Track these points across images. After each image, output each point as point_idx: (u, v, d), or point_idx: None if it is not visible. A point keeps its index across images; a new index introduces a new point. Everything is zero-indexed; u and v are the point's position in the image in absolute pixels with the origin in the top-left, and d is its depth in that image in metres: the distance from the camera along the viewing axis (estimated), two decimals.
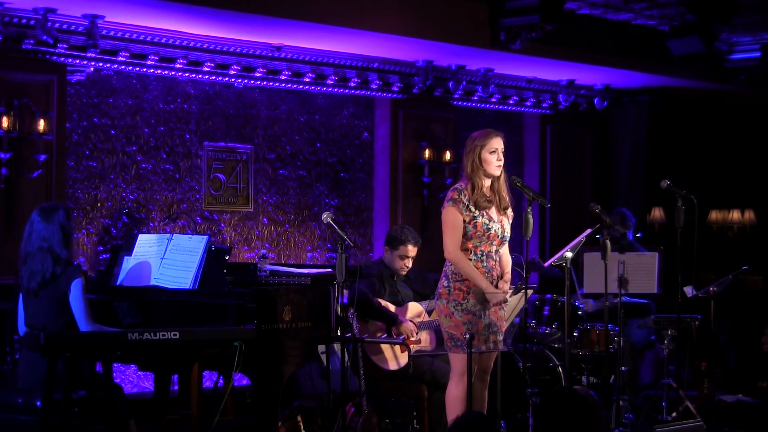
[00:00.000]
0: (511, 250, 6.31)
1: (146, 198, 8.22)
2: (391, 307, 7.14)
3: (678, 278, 7.37)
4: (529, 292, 6.37)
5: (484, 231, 5.99)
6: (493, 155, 6.02)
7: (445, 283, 6.03)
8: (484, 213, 6.02)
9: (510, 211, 6.19)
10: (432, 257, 7.66)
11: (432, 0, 8.38)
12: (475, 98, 9.88)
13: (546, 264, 7.79)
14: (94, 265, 7.83)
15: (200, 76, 8.28)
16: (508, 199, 6.15)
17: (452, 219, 5.98)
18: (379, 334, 7.04)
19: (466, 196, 5.99)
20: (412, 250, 7.28)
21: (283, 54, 8.49)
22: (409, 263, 7.32)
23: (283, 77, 8.62)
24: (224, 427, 6.56)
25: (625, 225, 8.76)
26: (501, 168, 6.07)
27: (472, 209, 5.98)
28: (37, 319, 5.73)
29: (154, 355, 6.04)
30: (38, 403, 5.49)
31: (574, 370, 8.07)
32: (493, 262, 6.07)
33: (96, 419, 5.66)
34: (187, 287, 6.14)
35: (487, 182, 6.07)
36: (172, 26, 7.79)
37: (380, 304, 7.05)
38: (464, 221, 5.97)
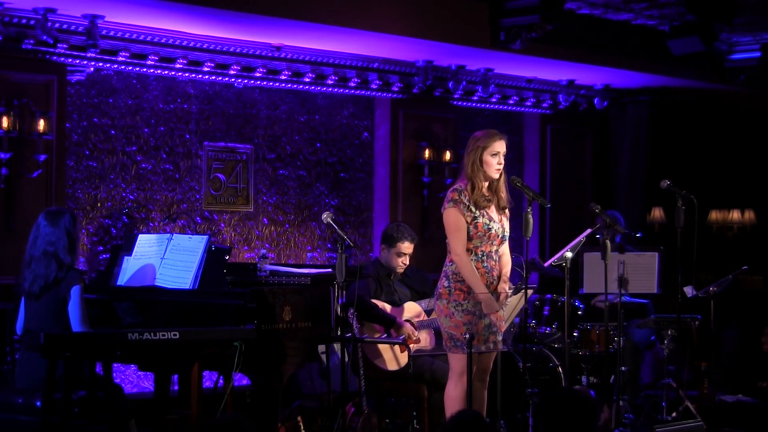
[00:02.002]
0: (511, 250, 6.31)
1: (146, 198, 8.22)
2: (388, 308, 7.13)
3: (678, 278, 7.37)
4: (529, 292, 6.37)
5: (485, 231, 5.98)
6: (495, 158, 6.01)
7: (446, 284, 6.02)
8: (485, 213, 6.01)
9: (507, 211, 6.19)
10: (432, 257, 7.67)
11: (432, 0, 8.38)
12: (475, 98, 9.88)
13: (546, 264, 7.80)
14: (94, 265, 7.83)
15: (200, 76, 8.28)
16: (506, 198, 6.14)
17: (455, 221, 5.97)
18: (378, 335, 7.04)
19: (466, 197, 5.98)
20: (408, 247, 7.27)
21: (283, 54, 8.49)
22: (407, 261, 7.31)
23: (283, 77, 8.62)
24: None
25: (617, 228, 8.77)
26: (500, 171, 6.06)
27: (473, 210, 5.97)
28: (36, 322, 5.74)
29: (154, 355, 6.04)
30: (38, 403, 5.50)
31: (574, 370, 8.07)
32: (493, 262, 6.07)
33: (96, 419, 5.66)
34: (187, 287, 6.15)
35: (486, 183, 6.06)
36: (172, 26, 7.79)
37: (377, 307, 7.03)
38: (466, 222, 5.96)
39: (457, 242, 5.95)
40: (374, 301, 7.08)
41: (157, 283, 6.28)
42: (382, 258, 7.33)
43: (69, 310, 5.68)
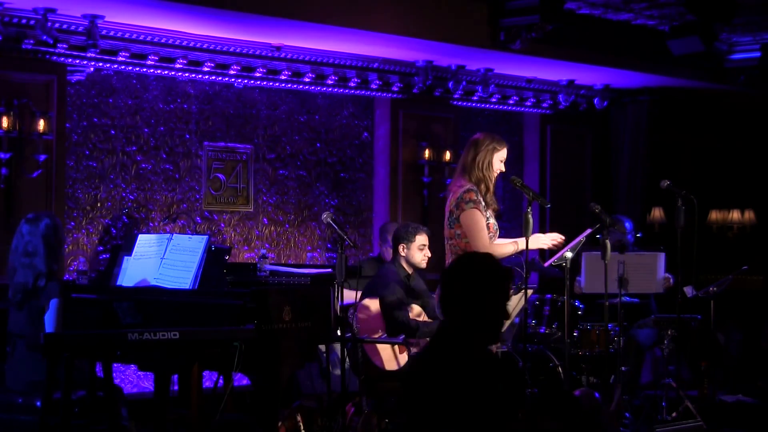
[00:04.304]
0: None
1: (146, 198, 8.22)
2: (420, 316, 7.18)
3: (678, 278, 7.37)
4: (529, 292, 6.38)
5: (495, 232, 6.07)
6: (501, 164, 6.12)
7: None
8: (491, 213, 6.08)
9: None
10: (432, 256, 7.65)
11: (432, 0, 8.38)
12: (475, 98, 9.88)
13: (546, 264, 7.79)
14: (94, 265, 7.83)
15: (200, 76, 8.28)
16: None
17: (479, 220, 6.00)
18: (378, 334, 7.04)
19: (480, 197, 6.03)
20: (426, 239, 7.31)
21: (283, 54, 8.49)
22: (428, 253, 7.32)
23: (283, 77, 8.62)
24: (224, 423, 6.56)
25: (617, 228, 8.78)
26: None
27: (485, 210, 6.03)
28: (18, 327, 5.75)
29: (154, 355, 6.03)
30: (38, 403, 5.50)
31: (574, 370, 8.07)
32: None
33: (96, 419, 5.66)
34: (187, 287, 6.15)
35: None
36: (172, 26, 7.79)
37: (407, 316, 7.07)
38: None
39: (482, 240, 5.97)
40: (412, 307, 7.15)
41: (157, 283, 6.28)
42: (402, 258, 7.30)
43: (45, 319, 5.69)
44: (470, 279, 3.68)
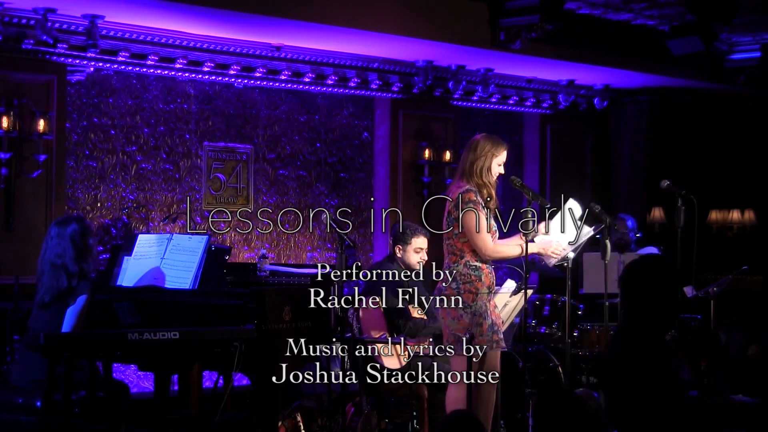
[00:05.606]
0: None
1: (146, 198, 8.22)
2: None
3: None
4: (529, 292, 6.38)
5: (494, 233, 6.05)
6: (500, 168, 6.08)
7: (454, 285, 5.98)
8: (491, 214, 6.07)
9: None
10: (432, 256, 7.65)
11: (432, 0, 8.38)
12: (475, 98, 9.88)
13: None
14: (94, 265, 7.82)
15: (200, 76, 8.28)
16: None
17: (477, 222, 5.98)
18: (379, 334, 7.04)
19: (480, 198, 6.02)
20: (424, 242, 7.25)
21: (283, 54, 8.49)
22: (425, 256, 7.28)
23: (283, 77, 8.62)
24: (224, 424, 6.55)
25: (617, 228, 8.76)
26: None
27: (485, 210, 6.03)
28: (40, 324, 5.75)
29: (154, 355, 6.03)
30: (38, 404, 5.50)
31: (574, 370, 8.06)
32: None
33: (96, 419, 5.66)
34: (187, 287, 6.14)
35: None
36: (172, 26, 7.79)
37: (408, 316, 7.06)
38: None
39: (484, 240, 5.95)
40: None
41: (157, 283, 6.27)
42: (400, 260, 7.28)
43: (66, 312, 5.68)
44: (649, 278, 4.19)
